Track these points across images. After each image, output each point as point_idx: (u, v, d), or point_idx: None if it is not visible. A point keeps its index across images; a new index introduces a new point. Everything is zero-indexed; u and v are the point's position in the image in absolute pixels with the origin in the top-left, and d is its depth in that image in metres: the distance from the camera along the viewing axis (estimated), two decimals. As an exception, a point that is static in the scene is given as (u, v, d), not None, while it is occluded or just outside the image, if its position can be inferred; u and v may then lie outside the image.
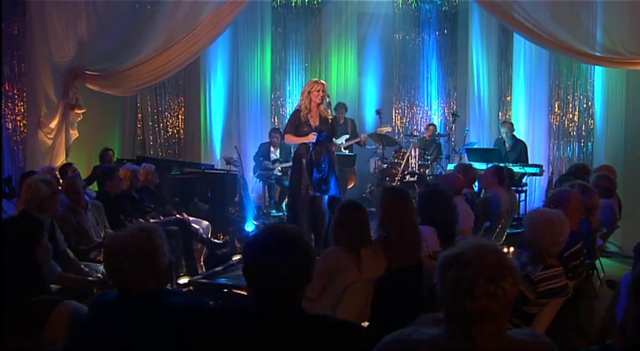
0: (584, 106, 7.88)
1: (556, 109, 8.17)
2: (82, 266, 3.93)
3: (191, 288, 4.69)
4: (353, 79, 9.85)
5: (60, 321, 2.03)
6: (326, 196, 5.46)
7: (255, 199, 8.32)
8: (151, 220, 5.41)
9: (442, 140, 9.11)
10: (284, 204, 8.22)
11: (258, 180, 8.38)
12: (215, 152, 9.02)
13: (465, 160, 8.57)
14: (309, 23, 9.69)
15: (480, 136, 8.94)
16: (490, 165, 6.86)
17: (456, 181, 4.44)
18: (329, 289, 3.09)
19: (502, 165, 5.66)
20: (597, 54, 6.41)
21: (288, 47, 9.59)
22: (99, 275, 3.93)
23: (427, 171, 8.49)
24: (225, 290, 4.29)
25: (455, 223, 3.75)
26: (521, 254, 3.94)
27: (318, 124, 5.36)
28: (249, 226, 6.05)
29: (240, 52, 9.16)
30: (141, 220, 5.22)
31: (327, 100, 5.49)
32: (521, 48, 8.36)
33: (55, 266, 3.49)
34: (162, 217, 5.66)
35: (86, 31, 6.90)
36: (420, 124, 10.00)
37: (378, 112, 8.97)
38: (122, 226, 4.89)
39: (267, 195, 8.48)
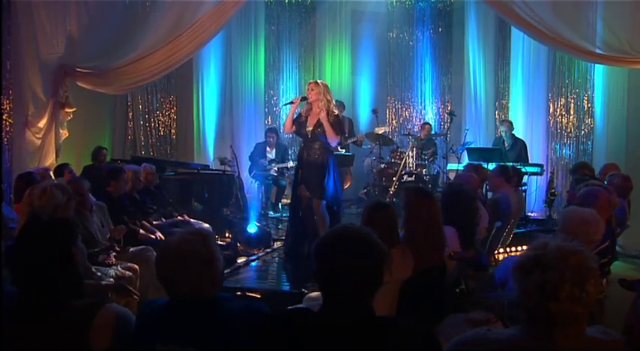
0: (584, 105, 8.01)
1: (554, 108, 8.30)
2: (94, 270, 3.88)
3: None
4: (347, 78, 9.89)
5: (105, 325, 1.99)
6: (324, 201, 5.43)
7: (249, 200, 8.30)
8: (154, 222, 5.36)
9: (438, 140, 9.19)
10: (280, 205, 8.23)
11: (254, 180, 8.34)
12: (208, 152, 8.97)
13: (463, 159, 8.70)
14: (303, 21, 9.70)
15: (476, 136, 9.03)
16: (491, 164, 7.02)
17: (472, 181, 4.48)
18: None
19: (505, 164, 5.72)
20: (599, 52, 6.46)
21: (282, 45, 9.59)
22: (110, 279, 3.90)
23: (424, 171, 8.55)
24: (239, 293, 4.28)
25: (476, 224, 3.79)
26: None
27: (312, 127, 5.35)
28: (252, 228, 6.02)
29: (233, 50, 9.13)
30: (145, 222, 5.17)
31: (328, 100, 5.33)
32: (519, 46, 8.47)
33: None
34: (163, 219, 5.61)
35: (76, 27, 6.79)
36: (415, 124, 10.08)
37: (374, 111, 9.01)
38: (127, 228, 4.86)
39: (262, 196, 8.46)
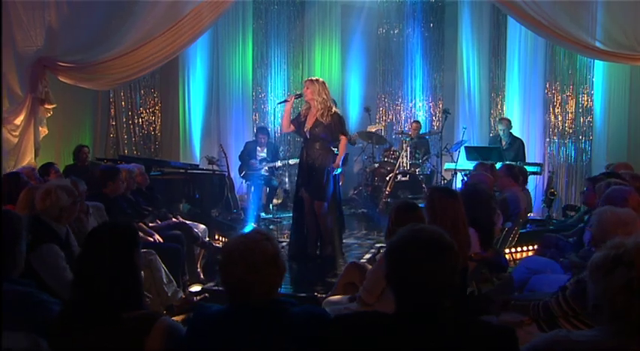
0: (583, 103, 8.14)
1: (552, 107, 8.43)
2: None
3: (207, 295, 4.62)
4: (337, 75, 9.90)
5: (159, 338, 1.97)
6: (326, 203, 5.47)
7: (243, 201, 8.28)
8: (150, 224, 5.28)
9: (431, 138, 9.28)
10: (271, 206, 8.20)
11: (244, 180, 8.29)
12: (195, 151, 8.91)
13: (457, 158, 8.80)
14: (291, 16, 9.69)
15: (470, 134, 9.11)
16: (500, 164, 7.11)
17: (487, 181, 4.55)
18: (388, 294, 3.09)
19: (511, 163, 5.81)
20: (599, 45, 6.51)
21: (270, 41, 9.57)
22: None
23: (418, 170, 8.62)
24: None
25: (494, 224, 3.85)
26: (558, 255, 4.10)
27: (310, 126, 5.36)
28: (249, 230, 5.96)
29: (220, 45, 9.07)
30: (142, 224, 5.09)
31: (324, 98, 5.31)
32: (515, 43, 8.58)
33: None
34: (159, 221, 5.53)
35: (56, 18, 6.63)
36: (405, 122, 10.16)
37: (366, 109, 9.05)
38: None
39: (250, 195, 8.41)
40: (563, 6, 6.45)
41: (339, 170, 5.50)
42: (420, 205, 3.43)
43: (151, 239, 4.93)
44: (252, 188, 8.26)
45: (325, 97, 5.29)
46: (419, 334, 1.67)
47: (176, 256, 4.83)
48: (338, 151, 5.56)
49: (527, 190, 5.79)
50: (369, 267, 3.94)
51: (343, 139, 5.45)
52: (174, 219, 5.67)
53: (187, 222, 5.58)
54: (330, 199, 5.41)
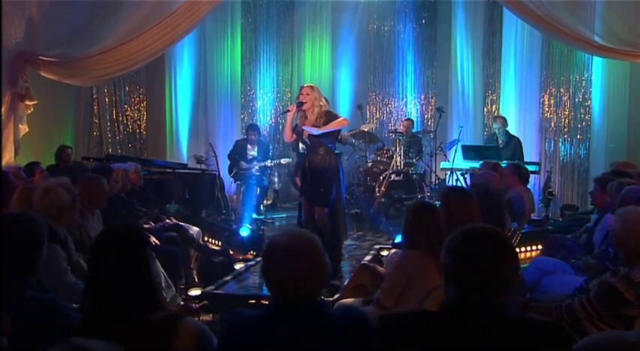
0: (580, 101, 8.25)
1: (548, 104, 8.53)
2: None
3: (205, 302, 4.58)
4: (327, 72, 9.90)
5: (188, 340, 1.95)
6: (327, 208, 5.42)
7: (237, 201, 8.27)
8: (145, 226, 5.23)
9: (423, 137, 9.34)
10: (262, 206, 8.18)
11: (234, 180, 8.26)
12: (181, 150, 8.86)
13: (450, 157, 8.86)
14: (281, 12, 9.68)
15: (463, 133, 9.11)
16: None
17: (495, 180, 4.60)
18: (407, 296, 3.11)
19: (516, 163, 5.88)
20: (598, 40, 6.54)
21: (259, 37, 9.56)
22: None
23: (412, 170, 8.66)
24: (253, 301, 4.23)
25: (505, 225, 3.89)
26: (568, 256, 4.17)
27: (308, 133, 5.29)
28: (244, 231, 5.96)
29: (207, 41, 9.03)
30: (137, 226, 5.03)
31: (321, 104, 5.24)
32: (511, 39, 8.66)
33: (77, 282, 3.31)
34: (152, 223, 5.48)
35: (37, 10, 6.52)
36: (397, 120, 10.21)
37: (359, 106, 9.06)
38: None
39: (241, 196, 8.39)
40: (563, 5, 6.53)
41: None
42: (436, 204, 3.44)
43: (148, 242, 4.87)
44: (243, 188, 8.23)
45: (322, 103, 5.28)
46: (476, 330, 1.69)
47: (173, 259, 4.80)
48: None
49: (530, 189, 5.86)
50: (381, 269, 3.96)
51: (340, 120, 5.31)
52: (167, 220, 5.63)
53: (182, 224, 5.53)
54: (333, 203, 5.38)
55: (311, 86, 5.32)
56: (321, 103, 5.24)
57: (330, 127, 5.14)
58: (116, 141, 8.57)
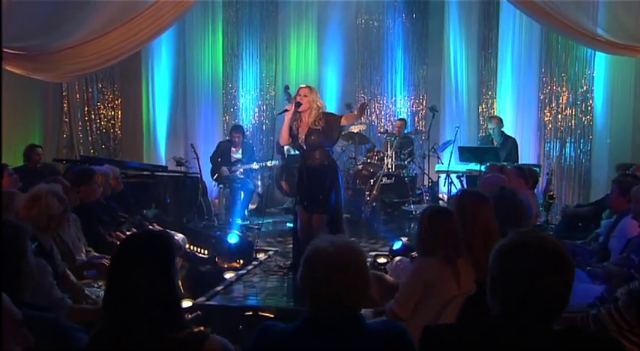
0: (582, 99, 8.32)
1: (548, 103, 8.60)
2: (87, 292, 3.66)
3: (199, 313, 4.49)
4: (313, 69, 9.86)
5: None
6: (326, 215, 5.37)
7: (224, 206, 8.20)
8: (127, 233, 5.11)
9: (415, 138, 9.35)
10: (247, 211, 8.11)
11: (217, 184, 8.16)
12: (159, 151, 8.78)
13: (442, 160, 8.89)
14: (264, 6, 9.63)
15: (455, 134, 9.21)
16: (485, 165, 7.22)
17: (503, 183, 4.59)
18: (424, 306, 3.09)
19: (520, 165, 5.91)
20: (601, 32, 6.55)
21: (242, 32, 9.51)
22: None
23: (403, 172, 8.67)
24: (249, 313, 4.16)
25: (521, 230, 3.88)
26: (583, 263, 4.18)
27: (304, 135, 5.25)
28: (232, 238, 5.87)
29: (187, 35, 8.97)
30: (119, 234, 4.93)
31: (318, 106, 5.25)
32: (508, 34, 8.72)
33: (64, 297, 3.21)
34: (135, 229, 5.37)
35: (2, -4, 6.34)
36: (386, 120, 10.21)
37: (348, 105, 9.03)
38: (103, 241, 4.62)
39: (224, 200, 8.31)
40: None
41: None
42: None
43: (132, 250, 4.77)
44: (226, 192, 8.16)
45: (319, 104, 5.26)
46: (523, 346, 1.66)
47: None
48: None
49: (535, 193, 5.90)
50: (389, 278, 3.93)
51: (344, 119, 5.36)
52: (150, 227, 5.53)
53: (168, 231, 5.42)
54: (333, 209, 5.33)
55: (309, 87, 5.28)
56: (319, 105, 5.22)
57: (350, 118, 5.43)
58: (88, 141, 8.41)
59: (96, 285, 3.89)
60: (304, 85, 5.34)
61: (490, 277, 1.78)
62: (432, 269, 3.10)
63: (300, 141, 5.26)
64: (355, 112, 5.40)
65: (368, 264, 1.92)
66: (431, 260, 3.13)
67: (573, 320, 3.00)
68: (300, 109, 5.15)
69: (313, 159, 5.25)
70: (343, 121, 5.29)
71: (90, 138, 8.37)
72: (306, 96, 5.16)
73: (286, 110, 5.22)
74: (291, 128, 5.32)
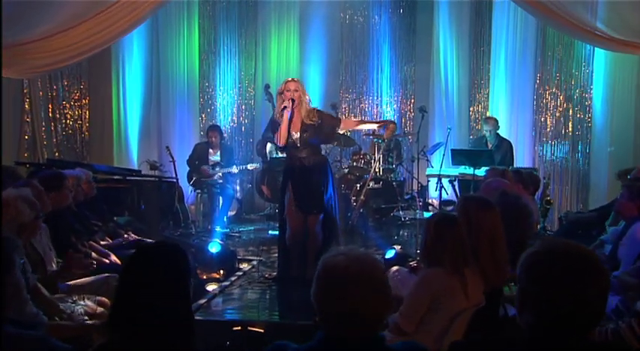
0: (580, 99, 8.35)
1: (544, 104, 8.63)
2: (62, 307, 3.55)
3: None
4: (294, 66, 9.79)
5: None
6: (321, 215, 5.40)
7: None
8: (101, 243, 5.02)
9: (403, 140, 9.35)
10: (226, 218, 8.02)
11: (193, 189, 8.07)
12: (131, 154, 8.68)
13: (431, 163, 8.90)
14: (243, -1, 9.60)
15: (445, 136, 9.20)
16: (485, 169, 7.22)
17: (505, 188, 4.58)
18: (430, 319, 3.05)
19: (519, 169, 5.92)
20: (601, 27, 6.50)
21: (219, 26, 9.44)
22: (85, 317, 3.59)
23: (391, 176, 8.66)
24: (238, 328, 4.09)
25: (527, 239, 3.88)
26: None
27: (299, 132, 5.25)
28: (214, 247, 5.78)
29: (160, 29, 8.90)
30: (93, 243, 4.82)
31: (308, 99, 5.32)
32: (502, 30, 8.75)
33: (39, 314, 3.12)
34: (109, 239, 5.28)
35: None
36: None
37: (333, 106, 8.99)
38: (75, 251, 4.50)
39: (202, 207, 8.21)
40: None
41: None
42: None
43: (107, 261, 4.69)
44: (203, 197, 8.06)
45: (309, 98, 5.31)
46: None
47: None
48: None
49: (534, 198, 5.92)
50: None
51: (344, 124, 5.54)
52: (125, 235, 5.44)
53: (147, 240, 5.35)
54: (328, 209, 5.33)
55: (297, 80, 5.29)
56: (309, 99, 5.28)
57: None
58: (53, 143, 8.21)
59: (70, 300, 3.79)
60: (291, 79, 5.33)
61: (520, 288, 1.75)
62: (438, 280, 3.08)
63: (294, 137, 5.24)
64: (375, 126, 5.47)
65: (387, 279, 1.85)
66: (437, 270, 3.10)
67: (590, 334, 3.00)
68: (295, 105, 5.14)
69: (307, 156, 5.26)
70: (343, 127, 5.39)
71: (54, 139, 8.18)
72: (296, 90, 5.16)
73: (285, 107, 5.15)
74: (275, 123, 5.31)
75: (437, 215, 3.36)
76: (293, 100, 5.12)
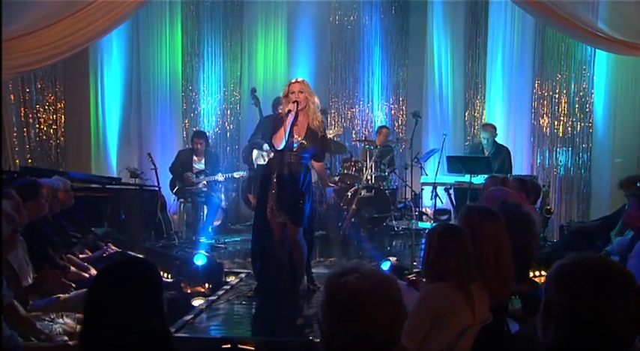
0: (581, 103, 8.37)
1: (543, 108, 8.65)
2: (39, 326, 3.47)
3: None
4: (282, 69, 9.81)
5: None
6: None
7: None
8: (80, 256, 4.94)
9: (395, 146, 9.33)
10: (211, 228, 7.95)
11: (177, 198, 8.00)
12: (110, 161, 8.62)
13: (425, 170, 8.90)
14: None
15: (440, 142, 9.18)
16: (480, 177, 7.24)
17: (507, 197, 4.56)
18: (435, 337, 3.00)
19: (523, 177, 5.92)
20: (603, 27, 6.50)
21: (203, 27, 9.42)
22: (64, 337, 3.52)
23: (384, 184, 8.64)
24: (228, 346, 4.03)
25: (533, 251, 3.87)
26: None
27: (302, 137, 5.23)
28: (200, 260, 5.72)
29: (141, 29, 8.86)
30: (71, 256, 4.74)
31: (315, 102, 5.31)
32: (499, 32, 8.78)
33: (14, 335, 3.04)
34: (88, 251, 5.19)
35: None
36: (362, 126, 10.18)
37: (322, 112, 8.93)
38: (53, 265, 4.43)
39: (185, 216, 8.16)
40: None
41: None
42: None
43: (86, 275, 4.61)
44: (186, 207, 8.00)
45: (317, 101, 5.30)
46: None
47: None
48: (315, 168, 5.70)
49: (536, 208, 5.92)
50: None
51: (320, 165, 5.66)
52: (105, 247, 5.35)
53: (129, 252, 5.28)
54: (306, 222, 5.37)
55: (303, 81, 5.26)
56: (317, 101, 5.28)
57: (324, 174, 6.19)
58: (25, 149, 8.09)
59: (47, 318, 3.70)
60: (296, 80, 5.30)
61: (545, 302, 1.75)
62: (441, 295, 3.03)
63: (295, 140, 5.21)
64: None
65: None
66: (440, 285, 3.06)
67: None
68: (300, 107, 5.11)
69: (286, 163, 5.22)
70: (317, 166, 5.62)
71: (27, 145, 8.06)
72: (301, 92, 5.13)
73: (290, 111, 5.10)
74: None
75: (440, 226, 3.31)
76: (297, 103, 5.07)
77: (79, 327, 3.72)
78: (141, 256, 4.38)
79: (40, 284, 3.87)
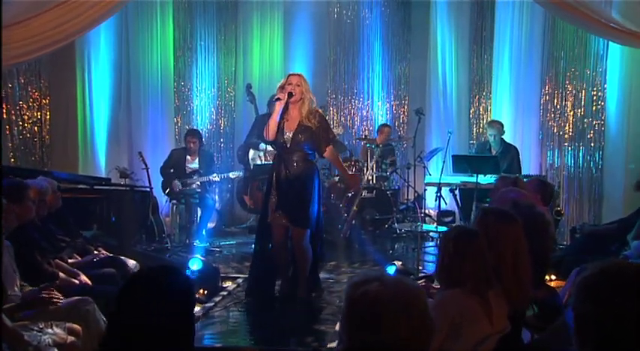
0: (592, 101, 8.28)
1: (552, 106, 8.60)
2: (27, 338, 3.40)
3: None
4: (278, 64, 9.78)
5: None
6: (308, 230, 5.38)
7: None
8: (69, 261, 4.86)
9: (397, 145, 9.29)
10: (205, 231, 7.91)
11: (169, 199, 7.95)
12: (98, 160, 8.60)
13: (429, 170, 8.86)
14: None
15: (444, 140, 9.14)
16: (487, 177, 7.19)
17: (522, 199, 4.51)
18: (451, 348, 2.96)
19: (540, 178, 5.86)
20: (617, 18, 6.38)
21: (196, 20, 9.40)
22: (54, 349, 3.45)
23: (385, 184, 8.60)
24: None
25: (549, 256, 3.82)
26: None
27: (293, 132, 5.23)
28: (195, 264, 5.66)
29: (130, 22, 8.83)
30: (60, 261, 4.65)
31: (311, 98, 5.29)
32: (506, 26, 8.73)
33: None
34: (78, 256, 5.12)
35: None
36: (362, 124, 10.15)
37: (321, 108, 8.91)
38: (41, 271, 4.35)
39: (178, 218, 8.13)
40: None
41: None
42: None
43: (76, 281, 4.53)
44: (179, 208, 7.96)
45: (313, 98, 5.29)
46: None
47: (112, 304, 4.44)
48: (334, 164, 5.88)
49: (548, 209, 5.87)
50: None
51: (329, 150, 5.39)
52: (96, 251, 5.29)
53: (120, 257, 5.21)
54: (314, 224, 5.31)
55: (301, 75, 5.30)
56: (312, 98, 5.26)
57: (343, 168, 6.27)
58: (8, 148, 8.03)
59: (36, 328, 3.62)
60: (295, 73, 5.37)
61: (577, 314, 1.71)
62: (456, 302, 2.98)
63: (286, 136, 5.19)
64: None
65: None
66: (455, 292, 3.01)
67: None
68: (291, 100, 5.11)
69: (291, 161, 5.22)
70: (327, 153, 5.43)
71: (10, 143, 8.00)
72: (298, 85, 5.15)
73: (279, 99, 5.14)
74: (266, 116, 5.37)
75: (455, 230, 3.28)
76: (290, 94, 5.08)
77: (69, 338, 3.67)
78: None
79: (27, 307, 3.79)
